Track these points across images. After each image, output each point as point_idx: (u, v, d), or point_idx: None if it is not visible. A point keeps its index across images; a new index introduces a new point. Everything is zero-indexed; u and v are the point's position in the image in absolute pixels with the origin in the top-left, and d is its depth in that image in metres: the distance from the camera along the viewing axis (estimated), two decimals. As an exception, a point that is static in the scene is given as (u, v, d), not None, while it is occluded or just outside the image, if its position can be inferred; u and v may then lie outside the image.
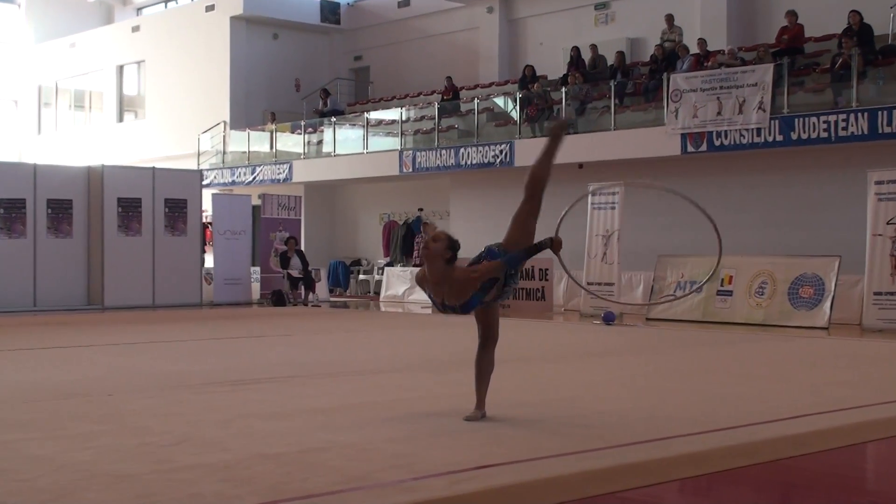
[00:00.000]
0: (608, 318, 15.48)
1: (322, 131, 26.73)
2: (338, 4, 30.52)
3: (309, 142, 26.92)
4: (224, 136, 29.01)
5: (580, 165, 19.64)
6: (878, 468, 5.91)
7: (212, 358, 10.47)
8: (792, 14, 19.04)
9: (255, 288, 22.17)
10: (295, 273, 21.23)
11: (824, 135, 16.83)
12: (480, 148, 22.07)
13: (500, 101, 23.84)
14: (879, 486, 5.36)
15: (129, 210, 19.67)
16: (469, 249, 25.37)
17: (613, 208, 17.23)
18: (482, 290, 6.09)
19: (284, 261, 21.38)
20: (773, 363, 10.15)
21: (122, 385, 8.12)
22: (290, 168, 26.46)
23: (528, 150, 20.94)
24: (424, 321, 17.20)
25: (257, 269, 22.59)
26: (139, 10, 37.20)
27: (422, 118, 25.03)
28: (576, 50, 22.58)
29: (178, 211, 20.34)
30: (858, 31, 17.52)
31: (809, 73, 18.30)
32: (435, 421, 6.38)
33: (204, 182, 23.40)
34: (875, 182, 14.52)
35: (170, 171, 21.75)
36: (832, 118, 16.74)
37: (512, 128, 22.27)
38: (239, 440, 5.71)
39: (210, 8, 30.01)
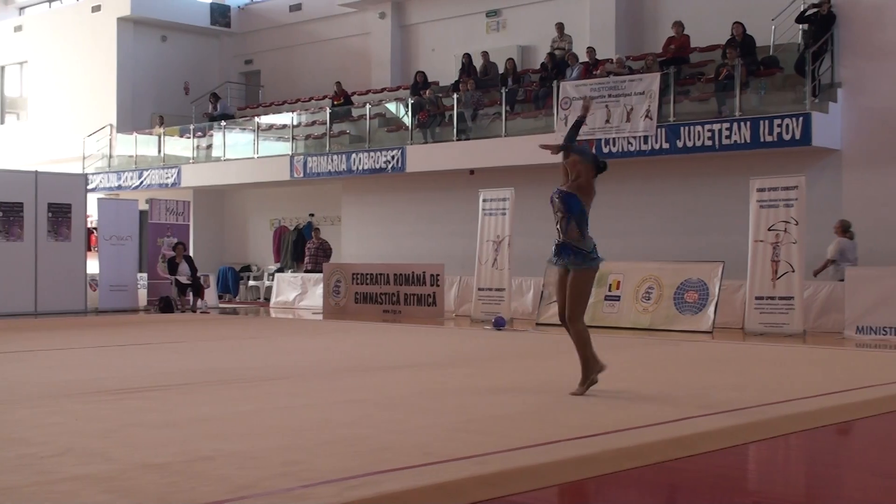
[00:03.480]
0: (498, 324, 15.59)
1: (212, 135, 26.41)
2: (228, 7, 30.16)
3: (198, 146, 26.56)
4: (110, 140, 28.43)
5: (471, 171, 19.71)
6: (760, 468, 6.05)
7: (95, 366, 10.23)
8: (678, 24, 19.46)
9: (142, 294, 21.79)
10: (183, 279, 20.89)
11: (709, 143, 17.23)
12: (372, 153, 22.01)
13: (391, 106, 23.85)
14: (762, 487, 5.48)
15: (11, 214, 19.13)
16: (361, 254, 25.06)
17: (504, 214, 17.35)
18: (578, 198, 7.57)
19: (172, 267, 21.02)
20: (659, 367, 10.33)
21: (0, 395, 7.87)
22: (179, 172, 26.05)
23: (420, 156, 20.98)
24: (315, 328, 17.08)
25: (144, 275, 22.18)
26: (21, 9, 36.18)
27: (313, 123, 24.89)
28: (467, 57, 22.72)
29: (61, 216, 19.85)
30: (742, 42, 17.98)
31: (695, 82, 18.74)
32: (324, 428, 6.33)
33: (89, 186, 22.93)
34: (757, 189, 14.91)
35: (53, 175, 21.20)
36: (716, 127, 17.15)
37: (404, 133, 22.28)
38: (123, 450, 5.58)
39: (96, 8, 29.38)
